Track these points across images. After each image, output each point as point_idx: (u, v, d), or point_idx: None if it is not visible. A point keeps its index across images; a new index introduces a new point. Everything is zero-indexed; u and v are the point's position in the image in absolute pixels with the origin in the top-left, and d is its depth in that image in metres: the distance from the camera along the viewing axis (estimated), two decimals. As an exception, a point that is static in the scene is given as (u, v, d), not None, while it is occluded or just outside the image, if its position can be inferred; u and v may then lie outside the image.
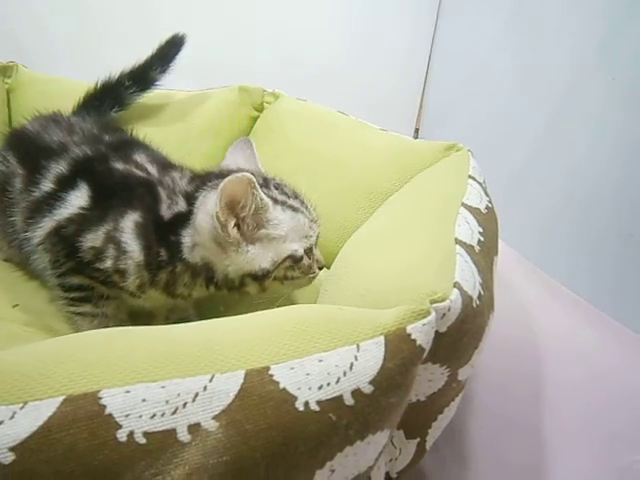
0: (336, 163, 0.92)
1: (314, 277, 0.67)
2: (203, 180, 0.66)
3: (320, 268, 0.68)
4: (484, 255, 0.55)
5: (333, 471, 0.36)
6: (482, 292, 0.47)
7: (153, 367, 0.33)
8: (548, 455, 0.66)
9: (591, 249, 1.05)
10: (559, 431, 0.70)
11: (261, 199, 0.60)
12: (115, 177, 0.67)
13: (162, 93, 1.06)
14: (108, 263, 0.62)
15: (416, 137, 1.59)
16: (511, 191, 1.30)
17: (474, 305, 0.45)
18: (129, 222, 0.62)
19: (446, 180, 0.71)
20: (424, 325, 0.39)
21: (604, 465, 0.66)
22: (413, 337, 0.38)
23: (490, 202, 0.67)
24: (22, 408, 0.30)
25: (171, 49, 0.97)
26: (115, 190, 0.65)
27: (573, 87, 1.14)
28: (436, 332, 0.41)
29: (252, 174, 0.58)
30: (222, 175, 0.65)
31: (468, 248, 0.52)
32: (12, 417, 0.30)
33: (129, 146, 0.75)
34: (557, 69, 1.18)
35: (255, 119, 1.14)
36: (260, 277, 0.62)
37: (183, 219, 0.63)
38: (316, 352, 0.36)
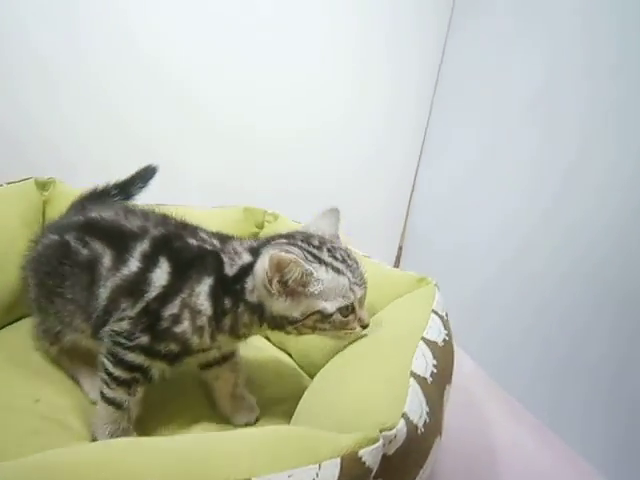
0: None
1: (351, 333, 0.78)
2: (269, 239, 0.84)
3: (363, 327, 0.79)
4: (436, 386, 0.66)
5: None
6: (428, 420, 0.59)
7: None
8: None
9: (554, 377, 1.16)
10: None
11: (305, 270, 0.73)
12: (191, 250, 0.83)
13: (182, 209, 1.23)
14: (185, 325, 0.76)
15: (399, 254, 1.75)
16: (480, 306, 1.43)
17: (419, 432, 0.56)
18: (205, 287, 0.78)
19: (412, 313, 0.84)
20: (373, 450, 0.49)
21: None
22: (363, 460, 0.49)
23: (448, 335, 0.80)
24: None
25: (146, 174, 1.15)
26: (192, 261, 0.80)
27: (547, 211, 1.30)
28: (384, 455, 0.52)
29: (306, 239, 0.80)
30: (287, 236, 0.83)
31: (421, 380, 0.64)
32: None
33: (192, 226, 0.90)
34: (533, 194, 1.35)
35: (256, 235, 1.30)
36: (292, 322, 0.77)
37: (247, 270, 0.79)
38: (288, 468, 0.47)
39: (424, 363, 0.68)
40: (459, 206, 1.63)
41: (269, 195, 1.41)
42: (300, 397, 0.80)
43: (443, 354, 0.74)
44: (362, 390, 0.64)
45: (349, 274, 0.77)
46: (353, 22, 1.64)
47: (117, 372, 0.78)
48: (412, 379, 0.63)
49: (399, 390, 0.61)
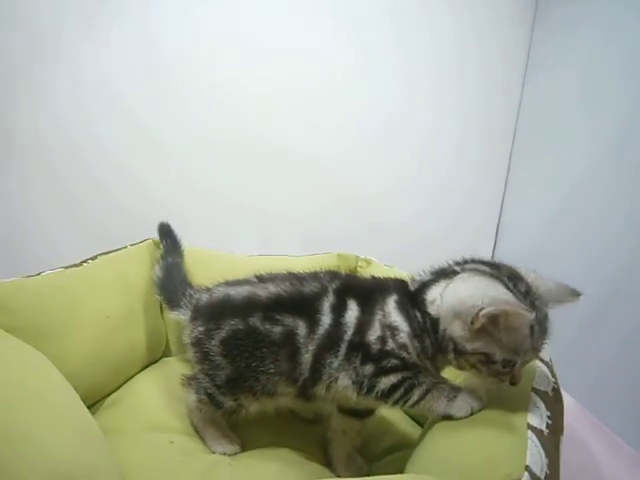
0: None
1: (497, 384, 0.76)
2: (467, 260, 0.84)
3: (512, 384, 0.75)
4: (551, 437, 0.68)
5: None
6: (548, 472, 0.61)
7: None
8: None
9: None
10: None
11: (523, 334, 0.71)
12: (371, 283, 0.91)
13: (281, 258, 1.34)
14: (390, 344, 0.79)
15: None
16: (581, 342, 1.40)
17: (541, 484, 0.59)
18: (391, 303, 0.82)
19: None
20: (504, 501, 0.53)
21: None
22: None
23: (556, 383, 0.81)
24: None
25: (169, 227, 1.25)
26: (374, 290, 0.86)
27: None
28: (512, 505, 0.55)
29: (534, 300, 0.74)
30: (490, 265, 0.80)
31: (538, 433, 0.66)
32: None
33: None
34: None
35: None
36: (458, 351, 0.76)
37: (428, 284, 0.82)
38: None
39: (539, 415, 0.70)
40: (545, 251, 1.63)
41: (363, 242, 1.48)
42: (410, 445, 0.85)
43: (554, 404, 0.76)
44: (482, 440, 0.68)
45: (536, 337, 0.73)
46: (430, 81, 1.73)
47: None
48: (529, 431, 0.66)
49: (519, 442, 0.64)
